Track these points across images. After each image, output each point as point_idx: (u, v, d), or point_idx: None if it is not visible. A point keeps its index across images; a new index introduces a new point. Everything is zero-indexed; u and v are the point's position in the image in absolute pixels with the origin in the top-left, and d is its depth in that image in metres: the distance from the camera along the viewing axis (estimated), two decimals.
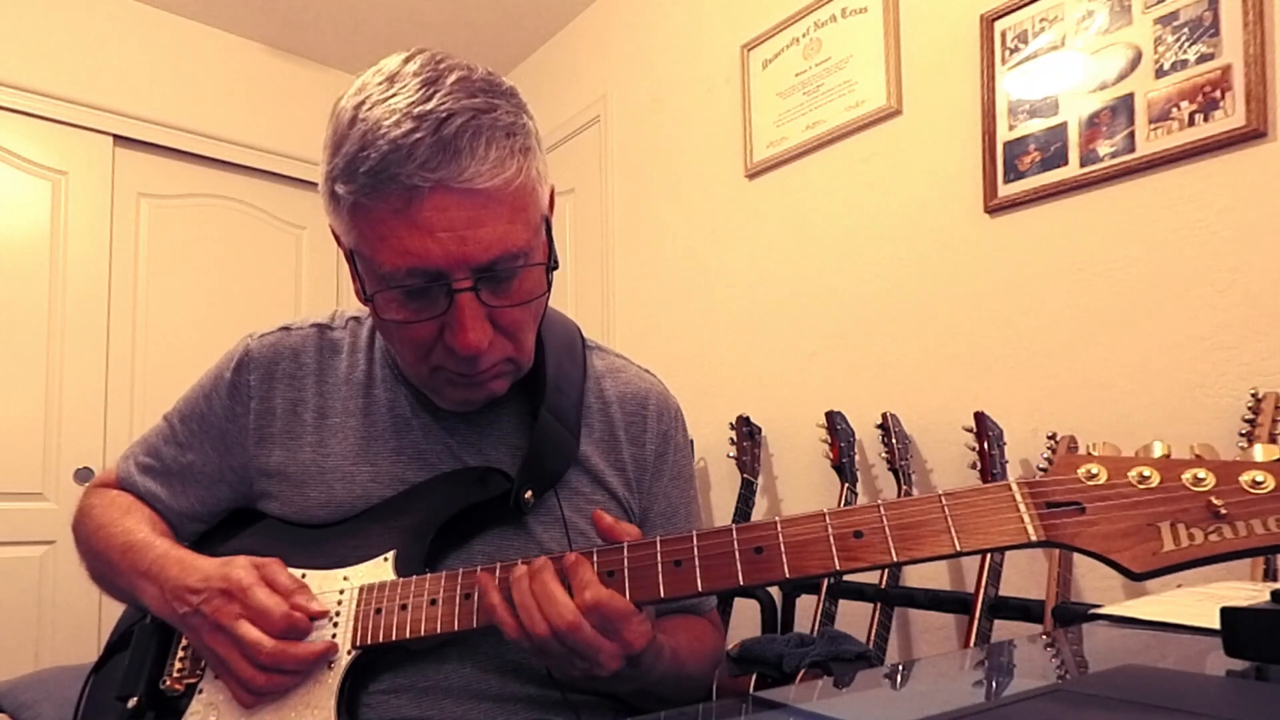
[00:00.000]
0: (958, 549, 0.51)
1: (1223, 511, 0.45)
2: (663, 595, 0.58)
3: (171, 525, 0.81)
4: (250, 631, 0.62)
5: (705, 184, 2.36)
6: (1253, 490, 0.45)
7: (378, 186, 0.59)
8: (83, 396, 2.60)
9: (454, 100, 0.59)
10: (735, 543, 0.57)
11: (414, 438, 0.75)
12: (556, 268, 0.70)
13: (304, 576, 0.70)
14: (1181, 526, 0.46)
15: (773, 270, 2.14)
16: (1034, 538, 0.49)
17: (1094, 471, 0.50)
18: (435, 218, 0.59)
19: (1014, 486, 0.51)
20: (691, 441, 0.92)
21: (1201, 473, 0.47)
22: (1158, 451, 0.49)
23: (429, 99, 0.59)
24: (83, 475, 2.58)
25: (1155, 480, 0.48)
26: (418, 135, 0.58)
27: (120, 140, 2.74)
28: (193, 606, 0.65)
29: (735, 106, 2.26)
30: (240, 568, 0.66)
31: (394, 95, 0.60)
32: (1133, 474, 0.49)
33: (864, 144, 1.94)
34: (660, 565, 0.59)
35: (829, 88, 2.01)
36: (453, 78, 0.61)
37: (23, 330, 2.52)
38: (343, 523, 0.73)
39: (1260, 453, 0.46)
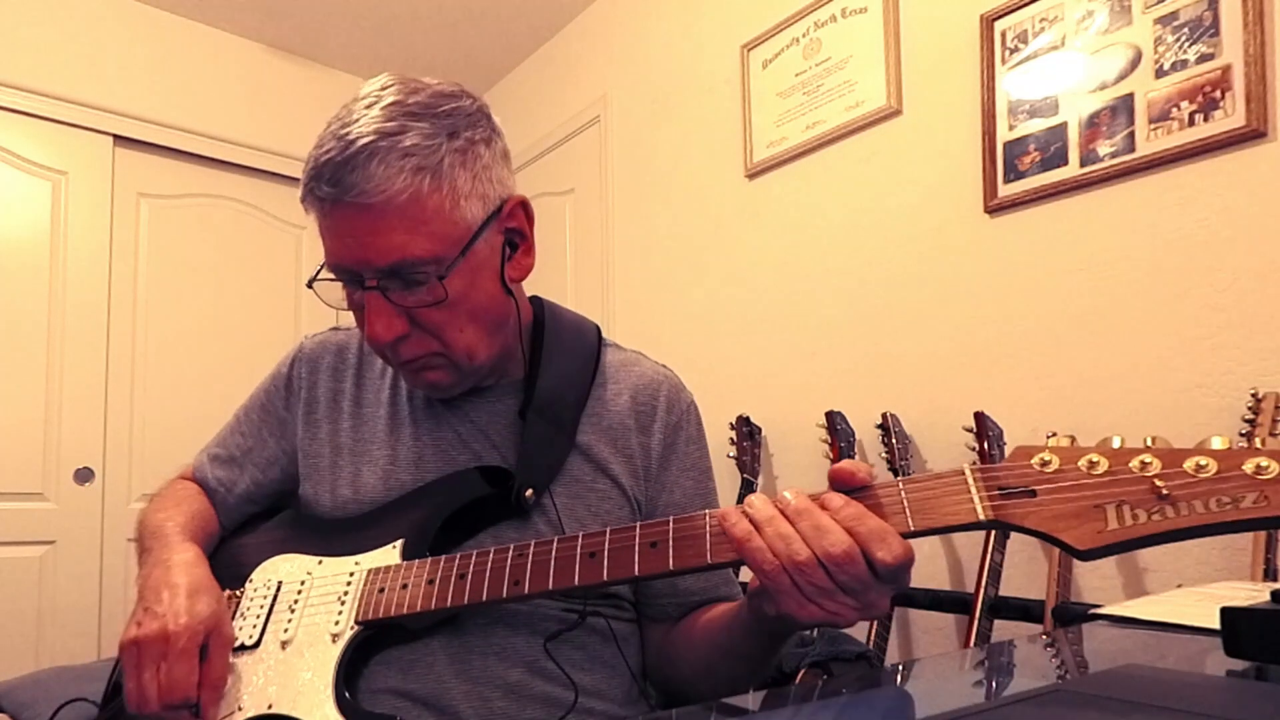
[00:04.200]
0: (911, 528, 0.54)
1: (1165, 493, 0.47)
2: (637, 573, 0.62)
3: (230, 509, 0.89)
4: (149, 686, 0.66)
5: (705, 184, 2.36)
6: (1196, 474, 0.47)
7: (305, 195, 0.71)
8: (83, 396, 2.60)
9: (371, 123, 0.67)
10: (707, 525, 0.60)
11: (430, 424, 0.82)
12: (520, 276, 0.78)
13: (320, 563, 0.77)
14: (1126, 508, 0.48)
15: (773, 270, 2.14)
16: (983, 517, 0.52)
17: (1047, 459, 0.52)
18: (342, 225, 0.69)
19: (967, 471, 0.54)
20: None
21: (1148, 458, 0.49)
22: (1116, 445, 0.51)
23: (354, 122, 0.68)
24: (82, 475, 2.58)
25: (1104, 466, 0.50)
26: (329, 155, 0.67)
27: (120, 140, 2.74)
28: (139, 614, 0.70)
29: (735, 106, 2.26)
30: (196, 619, 0.68)
31: (340, 118, 0.69)
32: (1083, 461, 0.51)
33: (864, 144, 1.94)
34: (638, 546, 0.62)
35: (829, 88, 2.01)
36: (387, 101, 0.69)
37: (23, 330, 2.52)
38: (359, 517, 0.79)
39: (1218, 443, 0.48)
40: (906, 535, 0.54)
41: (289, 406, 0.88)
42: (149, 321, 2.76)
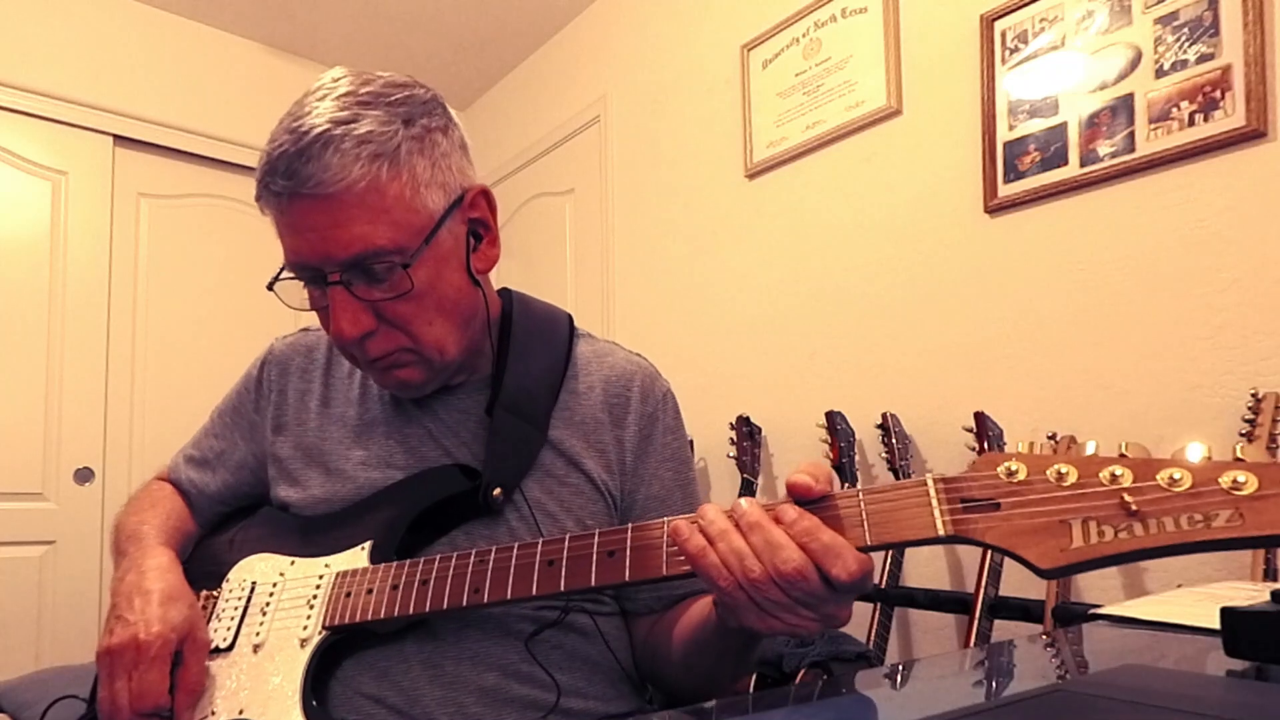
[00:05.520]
0: (868, 543, 0.52)
1: (1134, 508, 0.44)
2: (594, 583, 0.61)
3: (202, 510, 0.90)
4: (121, 695, 0.67)
5: (705, 184, 2.36)
6: (1169, 488, 0.44)
7: (260, 192, 0.69)
8: (83, 396, 2.60)
9: (324, 114, 0.66)
10: (664, 536, 0.59)
11: (399, 423, 0.81)
12: (486, 268, 0.77)
13: (293, 563, 0.77)
14: (1093, 524, 0.46)
15: (773, 270, 2.14)
16: (942, 533, 0.50)
17: (1014, 469, 0.49)
18: (300, 219, 0.67)
19: (930, 483, 0.52)
20: (692, 441, 0.92)
21: (1119, 469, 0.46)
22: (1089, 452, 0.48)
23: (306, 114, 0.66)
24: (82, 475, 2.58)
25: (1072, 477, 0.47)
26: (283, 148, 0.66)
27: (120, 140, 2.74)
28: (112, 621, 0.70)
29: (735, 106, 2.26)
30: (168, 626, 0.69)
31: (290, 114, 0.68)
32: (1051, 471, 0.48)
33: (864, 144, 1.94)
34: (595, 555, 0.61)
35: (829, 88, 2.01)
36: (340, 92, 0.68)
37: (23, 330, 2.52)
38: (331, 516, 0.78)
39: (1195, 452, 0.45)
40: (864, 549, 0.52)
41: (259, 409, 0.88)
42: (149, 321, 2.76)
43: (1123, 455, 0.47)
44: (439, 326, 0.73)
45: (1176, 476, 0.44)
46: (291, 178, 0.65)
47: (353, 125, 0.66)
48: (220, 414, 0.92)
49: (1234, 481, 0.43)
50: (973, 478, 0.51)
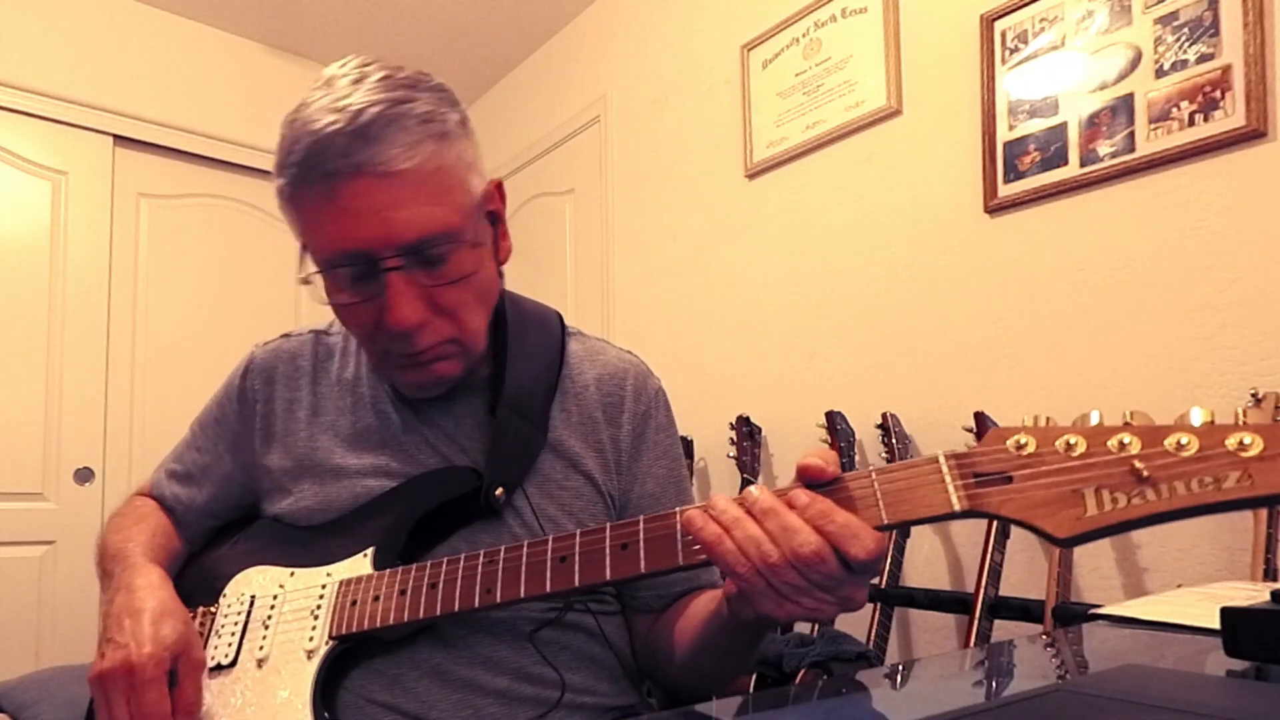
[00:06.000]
0: (884, 521, 0.52)
1: (1145, 474, 0.45)
2: (609, 577, 0.60)
3: (190, 525, 0.87)
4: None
5: (705, 184, 2.36)
6: (1177, 452, 0.45)
7: (304, 176, 0.65)
8: (83, 396, 2.60)
9: (372, 94, 0.64)
10: (678, 525, 0.59)
11: (394, 430, 0.79)
12: (505, 260, 0.76)
13: (292, 575, 0.75)
14: (1105, 491, 0.46)
15: (773, 270, 2.14)
16: (958, 508, 0.50)
17: (1023, 442, 0.50)
18: (357, 202, 0.64)
19: (941, 459, 0.52)
20: (686, 438, 0.92)
21: (1127, 438, 0.46)
22: (1094, 421, 0.49)
23: (350, 95, 0.64)
24: (82, 475, 2.58)
25: (1081, 447, 0.48)
26: (336, 125, 0.63)
27: (120, 140, 2.74)
28: (103, 645, 0.68)
29: (735, 106, 2.26)
30: (160, 646, 0.66)
31: (324, 96, 0.65)
32: (1059, 443, 0.48)
33: (864, 144, 1.94)
34: (609, 549, 0.61)
35: (829, 88, 2.01)
36: (376, 76, 0.66)
37: (23, 330, 2.52)
38: (329, 524, 0.76)
39: (1198, 416, 0.45)
40: (880, 528, 0.52)
41: (243, 420, 0.85)
42: (149, 321, 2.76)
43: (1128, 423, 0.47)
44: (480, 316, 0.73)
45: (1184, 441, 0.45)
46: (349, 156, 0.62)
47: (411, 104, 0.64)
48: (202, 426, 0.89)
49: (1240, 443, 0.43)
50: (983, 452, 0.51)
